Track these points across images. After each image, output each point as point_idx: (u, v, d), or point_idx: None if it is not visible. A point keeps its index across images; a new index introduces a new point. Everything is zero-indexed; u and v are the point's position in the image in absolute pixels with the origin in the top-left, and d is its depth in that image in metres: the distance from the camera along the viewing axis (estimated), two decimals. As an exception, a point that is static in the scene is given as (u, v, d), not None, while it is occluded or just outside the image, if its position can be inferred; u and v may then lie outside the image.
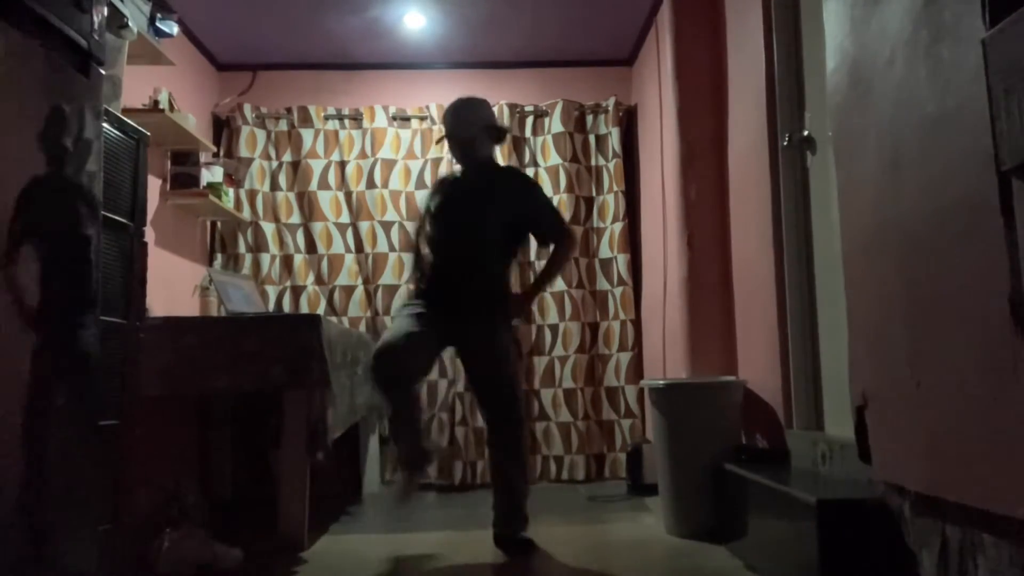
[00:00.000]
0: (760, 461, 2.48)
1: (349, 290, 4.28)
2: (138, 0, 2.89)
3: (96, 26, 1.58)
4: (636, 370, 4.22)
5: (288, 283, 4.28)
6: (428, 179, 4.33)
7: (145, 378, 2.27)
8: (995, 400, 1.34)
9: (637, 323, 4.27)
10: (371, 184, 4.32)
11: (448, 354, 3.39)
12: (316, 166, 4.34)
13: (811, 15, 2.49)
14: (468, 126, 2.75)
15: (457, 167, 2.94)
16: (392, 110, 4.39)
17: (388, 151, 4.35)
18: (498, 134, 2.86)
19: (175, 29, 3.19)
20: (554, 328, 4.27)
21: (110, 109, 2.02)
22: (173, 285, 3.69)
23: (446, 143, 2.87)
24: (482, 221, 2.70)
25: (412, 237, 3.03)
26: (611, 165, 4.38)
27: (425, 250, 2.85)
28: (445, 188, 2.88)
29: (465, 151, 2.79)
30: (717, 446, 2.62)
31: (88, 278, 1.52)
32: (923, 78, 1.53)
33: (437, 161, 4.34)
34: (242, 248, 4.24)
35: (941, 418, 1.52)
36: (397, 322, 2.69)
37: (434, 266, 2.79)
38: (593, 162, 4.44)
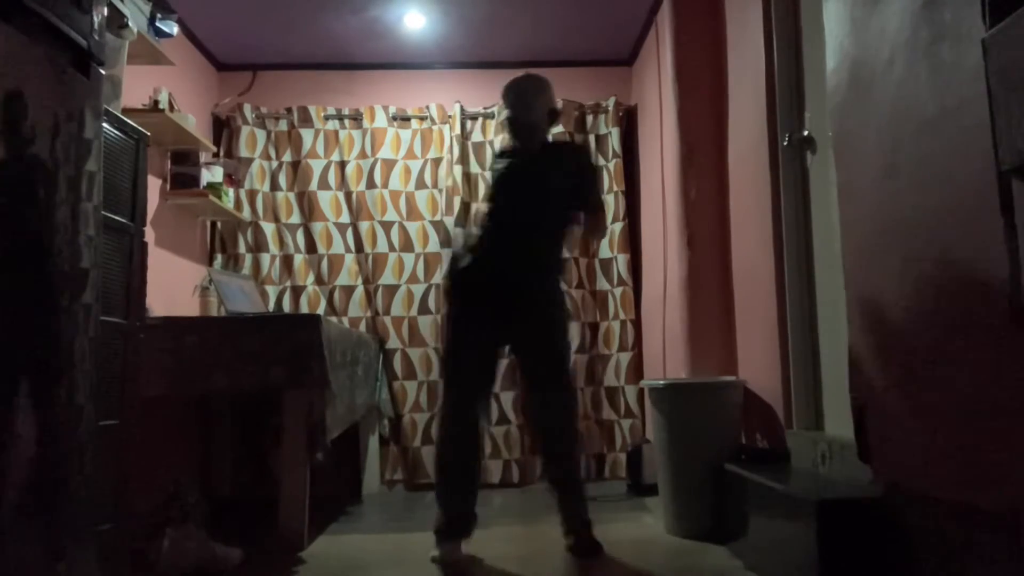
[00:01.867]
0: (760, 461, 2.47)
1: (349, 290, 4.28)
2: (138, 0, 2.90)
3: (96, 26, 1.58)
4: (636, 370, 4.22)
5: (288, 283, 4.28)
6: (428, 179, 4.33)
7: (145, 378, 2.28)
8: (995, 400, 1.34)
9: (637, 323, 4.27)
10: (371, 184, 4.32)
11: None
12: (316, 166, 4.34)
13: (811, 15, 2.49)
14: (536, 110, 2.72)
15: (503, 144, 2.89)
16: (392, 110, 4.39)
17: (388, 151, 4.35)
18: (556, 116, 2.86)
19: (175, 29, 3.19)
20: (554, 328, 4.27)
21: (110, 109, 2.02)
22: (173, 285, 3.69)
23: (505, 126, 2.82)
24: (545, 206, 2.70)
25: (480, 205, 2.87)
26: (611, 165, 4.38)
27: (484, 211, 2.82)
28: (511, 162, 2.80)
29: (529, 134, 2.75)
30: (717, 446, 2.62)
31: (88, 278, 1.52)
32: (923, 78, 1.53)
33: (437, 161, 4.34)
34: (242, 248, 4.24)
35: (941, 418, 1.52)
36: (455, 348, 2.62)
37: (497, 234, 2.70)
38: (593, 162, 4.44)
